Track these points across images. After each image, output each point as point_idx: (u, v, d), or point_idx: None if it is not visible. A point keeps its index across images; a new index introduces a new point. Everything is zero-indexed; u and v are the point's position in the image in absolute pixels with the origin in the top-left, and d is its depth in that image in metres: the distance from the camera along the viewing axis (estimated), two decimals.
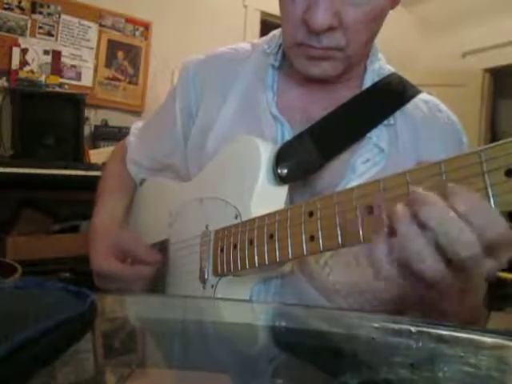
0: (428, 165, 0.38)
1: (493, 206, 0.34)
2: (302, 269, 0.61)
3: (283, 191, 0.59)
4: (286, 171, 0.58)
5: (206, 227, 0.63)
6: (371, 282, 0.54)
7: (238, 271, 0.55)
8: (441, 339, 0.41)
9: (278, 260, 0.49)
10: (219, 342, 0.43)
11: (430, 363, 0.36)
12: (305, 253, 0.46)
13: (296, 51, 0.61)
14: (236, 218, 0.58)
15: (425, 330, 0.42)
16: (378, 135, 0.63)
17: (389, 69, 0.70)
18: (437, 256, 0.35)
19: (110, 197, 0.80)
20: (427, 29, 3.74)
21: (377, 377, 0.33)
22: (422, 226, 0.35)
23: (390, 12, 0.62)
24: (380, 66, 0.68)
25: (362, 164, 0.62)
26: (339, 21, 0.55)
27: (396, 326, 0.43)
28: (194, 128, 0.72)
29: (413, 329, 0.41)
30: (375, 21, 0.58)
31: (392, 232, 0.37)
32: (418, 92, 0.68)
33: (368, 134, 0.63)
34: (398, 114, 0.65)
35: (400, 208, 0.36)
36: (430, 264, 0.35)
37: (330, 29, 0.55)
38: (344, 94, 0.65)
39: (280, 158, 0.58)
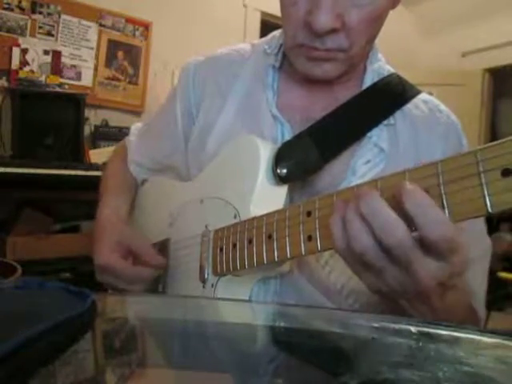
0: (425, 165, 0.38)
1: (488, 205, 0.34)
2: (303, 268, 0.61)
3: (283, 191, 0.59)
4: (285, 171, 0.58)
5: (206, 227, 0.63)
6: None
7: (237, 271, 0.55)
8: (441, 339, 0.41)
9: (276, 260, 0.49)
10: (219, 342, 0.43)
11: (430, 363, 0.36)
12: (303, 252, 0.46)
13: (297, 52, 0.60)
14: (235, 217, 0.58)
15: (425, 329, 0.42)
16: (379, 135, 0.63)
17: (388, 69, 0.70)
18: (375, 243, 0.39)
19: (114, 196, 0.80)
20: (427, 28, 3.75)
21: (377, 377, 0.33)
22: (362, 218, 0.39)
23: (391, 11, 0.62)
24: (379, 66, 0.68)
25: (363, 165, 0.62)
26: (342, 22, 0.55)
27: (396, 326, 0.43)
28: (194, 129, 0.72)
29: (413, 329, 0.41)
30: (377, 21, 0.58)
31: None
32: (417, 92, 0.68)
33: (368, 134, 0.63)
34: (397, 114, 0.65)
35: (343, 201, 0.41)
36: (369, 247, 0.39)
37: (333, 30, 0.55)
38: (344, 94, 0.65)
39: (279, 158, 0.58)
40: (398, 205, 0.38)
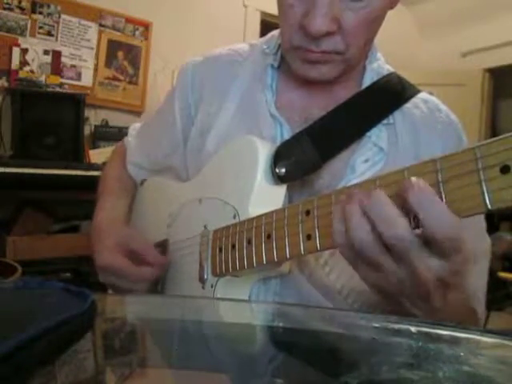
0: (424, 162, 0.38)
1: (487, 202, 0.34)
2: (302, 268, 0.61)
3: (281, 191, 0.59)
4: (284, 170, 0.58)
5: (205, 227, 0.63)
6: None
7: (237, 271, 0.55)
8: (441, 339, 0.41)
9: (275, 260, 0.49)
10: (219, 342, 0.43)
11: (430, 363, 0.36)
12: (302, 252, 0.46)
13: (294, 55, 0.60)
14: (234, 217, 0.58)
15: (425, 330, 0.42)
16: (378, 134, 0.63)
17: (388, 68, 0.70)
18: (375, 237, 0.39)
19: (112, 196, 0.80)
20: (427, 28, 3.75)
21: (377, 377, 0.33)
22: (363, 211, 0.39)
23: (390, 11, 0.62)
24: (379, 66, 0.68)
25: (362, 164, 0.62)
26: (338, 25, 0.55)
27: (396, 326, 0.43)
28: (193, 129, 0.72)
29: (413, 329, 0.41)
30: (374, 22, 0.58)
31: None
32: (417, 92, 0.68)
33: (367, 134, 0.63)
34: (397, 113, 0.65)
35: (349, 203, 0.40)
36: (368, 241, 0.39)
37: (329, 33, 0.55)
38: (343, 93, 0.65)
39: (278, 158, 0.58)
40: (401, 202, 0.37)
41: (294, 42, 0.58)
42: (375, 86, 0.66)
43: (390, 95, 0.66)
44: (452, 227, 0.36)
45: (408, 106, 0.66)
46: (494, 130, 3.78)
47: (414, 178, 0.37)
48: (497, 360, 0.39)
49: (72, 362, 0.33)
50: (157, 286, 0.72)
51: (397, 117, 0.65)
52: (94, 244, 0.69)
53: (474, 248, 0.50)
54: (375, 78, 0.67)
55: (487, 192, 0.34)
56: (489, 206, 0.34)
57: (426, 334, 0.41)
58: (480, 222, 0.65)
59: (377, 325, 0.45)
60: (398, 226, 0.37)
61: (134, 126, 0.90)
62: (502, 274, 2.63)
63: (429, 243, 0.37)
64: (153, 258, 0.66)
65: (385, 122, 0.64)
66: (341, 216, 0.41)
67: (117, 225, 0.73)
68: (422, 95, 0.69)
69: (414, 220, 0.37)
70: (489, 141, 0.35)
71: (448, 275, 0.39)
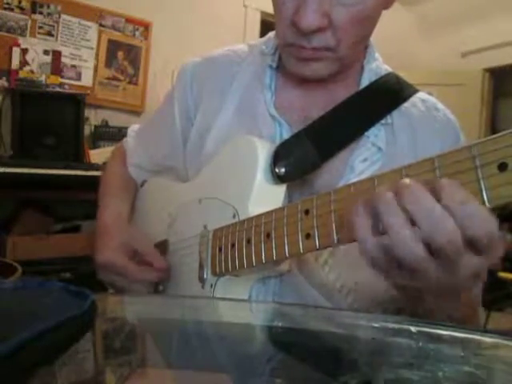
0: (421, 161, 0.38)
1: (486, 199, 0.34)
2: (302, 268, 0.61)
3: (281, 190, 0.59)
4: (283, 170, 0.58)
5: (205, 227, 0.63)
6: (372, 282, 0.54)
7: (236, 271, 0.55)
8: (441, 339, 0.41)
9: (275, 258, 0.49)
10: (218, 342, 0.43)
11: (430, 363, 0.36)
12: (301, 251, 0.46)
13: (288, 52, 0.61)
14: (234, 217, 0.58)
15: (425, 329, 0.42)
16: (376, 134, 0.63)
17: (386, 68, 0.70)
18: (418, 241, 0.35)
19: (114, 197, 0.80)
20: (427, 28, 3.75)
21: (377, 377, 0.33)
22: (407, 214, 0.35)
23: (390, 11, 0.62)
24: (377, 66, 0.68)
25: (361, 163, 0.62)
26: (329, 21, 0.55)
27: (396, 326, 0.43)
28: (192, 130, 0.72)
29: (413, 329, 0.41)
30: (366, 20, 0.58)
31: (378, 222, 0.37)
32: (415, 91, 0.68)
33: (366, 133, 0.63)
34: (395, 112, 0.65)
35: (387, 197, 0.36)
36: (410, 248, 0.35)
37: (320, 29, 0.55)
38: (342, 93, 0.65)
39: (278, 157, 0.58)
40: None
41: (287, 39, 0.59)
42: (373, 86, 0.66)
43: (388, 95, 0.66)
44: (491, 225, 0.35)
45: (406, 105, 0.66)
46: (493, 130, 3.77)
47: (447, 180, 0.35)
48: (497, 360, 0.39)
49: (72, 361, 0.33)
50: (158, 286, 0.72)
51: (395, 116, 0.65)
52: (96, 243, 0.69)
53: None
54: (373, 78, 0.67)
55: (485, 189, 0.34)
56: (487, 204, 0.34)
57: (426, 333, 0.41)
58: None
59: (376, 325, 0.45)
60: (446, 227, 0.35)
61: (133, 128, 0.90)
62: (502, 274, 2.63)
63: (471, 243, 0.36)
64: (156, 262, 0.66)
65: (383, 121, 0.64)
66: (370, 230, 0.37)
67: (121, 223, 0.73)
68: (421, 95, 0.69)
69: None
70: (486, 138, 0.35)
71: (483, 271, 0.38)
